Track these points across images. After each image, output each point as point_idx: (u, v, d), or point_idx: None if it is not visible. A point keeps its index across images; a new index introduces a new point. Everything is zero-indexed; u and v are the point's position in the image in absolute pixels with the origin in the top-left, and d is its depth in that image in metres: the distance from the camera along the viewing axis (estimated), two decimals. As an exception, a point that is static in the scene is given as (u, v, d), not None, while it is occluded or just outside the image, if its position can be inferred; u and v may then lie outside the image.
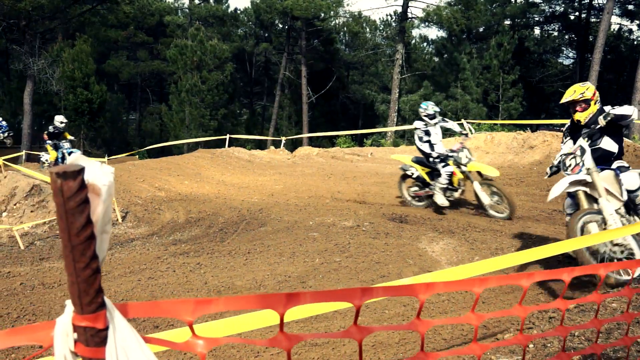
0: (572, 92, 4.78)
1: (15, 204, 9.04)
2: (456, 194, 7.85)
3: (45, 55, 22.35)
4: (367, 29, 35.37)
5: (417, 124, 7.98)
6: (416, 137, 7.98)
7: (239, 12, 34.09)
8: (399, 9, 27.52)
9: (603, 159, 4.64)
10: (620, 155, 4.69)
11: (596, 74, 21.13)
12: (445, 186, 7.71)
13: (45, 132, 13.66)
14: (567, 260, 5.32)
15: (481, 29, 29.08)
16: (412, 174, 8.13)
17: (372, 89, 32.52)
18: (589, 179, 4.40)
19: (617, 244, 4.12)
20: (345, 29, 33.55)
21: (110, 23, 29.34)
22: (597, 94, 4.80)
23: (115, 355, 0.75)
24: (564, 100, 4.88)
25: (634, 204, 4.49)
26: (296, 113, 30.54)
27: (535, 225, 7.01)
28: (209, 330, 2.37)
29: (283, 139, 17.84)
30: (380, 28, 35.82)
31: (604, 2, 23.89)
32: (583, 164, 4.47)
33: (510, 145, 11.66)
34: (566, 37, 31.42)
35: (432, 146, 7.82)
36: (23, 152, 17.86)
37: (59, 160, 13.23)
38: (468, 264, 3.17)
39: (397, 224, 7.46)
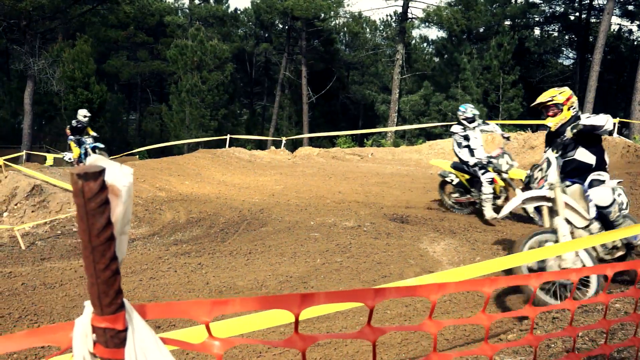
0: (544, 96, 4.54)
1: (16, 204, 9.04)
2: (499, 202, 7.28)
3: (46, 55, 22.34)
4: (367, 29, 35.38)
5: (455, 128, 7.43)
6: (454, 143, 7.45)
7: (239, 12, 34.11)
8: (399, 9, 27.55)
9: (579, 171, 4.34)
10: (600, 166, 4.35)
11: (596, 74, 21.13)
12: (491, 196, 7.10)
13: (68, 126, 13.12)
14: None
15: (481, 30, 29.10)
16: (452, 180, 7.62)
17: (372, 89, 32.54)
18: (551, 194, 4.07)
19: (565, 268, 3.71)
20: (345, 29, 33.57)
21: (111, 23, 29.34)
22: (573, 100, 4.50)
23: (134, 356, 0.75)
24: (534, 103, 4.66)
25: (608, 221, 4.16)
26: (296, 113, 30.55)
27: (535, 226, 7.01)
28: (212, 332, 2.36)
29: (284, 139, 17.84)
30: (381, 28, 35.84)
31: (604, 2, 23.91)
32: (547, 178, 4.17)
33: (511, 145, 11.67)
34: (566, 37, 31.44)
35: (472, 152, 7.27)
36: (23, 152, 17.86)
37: (82, 157, 12.83)
38: (471, 264, 3.17)
39: (398, 225, 7.47)
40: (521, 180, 6.79)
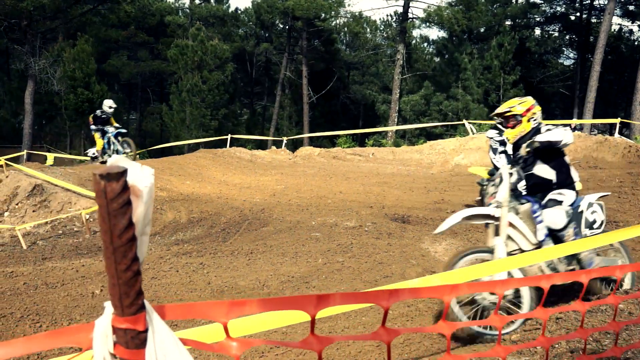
0: (503, 106, 4.29)
1: (17, 204, 9.05)
2: None
3: (46, 55, 22.35)
4: (368, 29, 35.38)
5: (490, 132, 7.07)
6: (489, 149, 7.05)
7: (239, 12, 34.10)
8: (400, 9, 27.54)
9: (540, 187, 4.08)
10: (563, 183, 4.03)
11: (597, 74, 21.13)
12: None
13: (91, 115, 12.82)
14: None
15: (482, 30, 29.08)
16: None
17: (373, 89, 32.54)
18: (497, 212, 3.78)
19: (492, 302, 3.44)
20: (346, 29, 33.56)
21: (111, 23, 29.33)
22: (535, 110, 4.16)
23: (154, 357, 0.75)
24: (493, 113, 4.41)
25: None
26: (297, 113, 30.55)
27: (537, 226, 7.01)
28: (213, 333, 2.36)
29: (284, 139, 17.84)
30: (381, 28, 35.83)
31: (605, 2, 23.91)
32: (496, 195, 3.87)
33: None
34: (567, 37, 31.44)
35: (508, 157, 6.76)
36: (24, 152, 17.85)
37: (106, 147, 12.60)
38: (481, 263, 3.17)
39: (399, 225, 7.47)
40: None
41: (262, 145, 24.34)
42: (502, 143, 6.85)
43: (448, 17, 24.64)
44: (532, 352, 2.43)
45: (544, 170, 4.05)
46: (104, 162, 12.78)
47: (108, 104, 12.64)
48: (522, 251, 3.78)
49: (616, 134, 14.15)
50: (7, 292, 5.30)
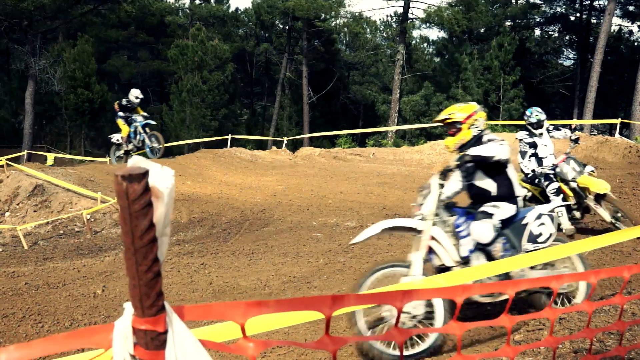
0: (443, 112, 4.11)
1: (18, 204, 9.05)
2: (577, 214, 6.33)
3: (47, 55, 22.35)
4: (368, 30, 35.37)
5: (520, 134, 6.66)
6: (519, 153, 6.54)
7: (239, 12, 34.10)
8: (400, 10, 27.54)
9: (480, 198, 3.90)
10: (503, 195, 3.82)
11: (597, 74, 21.14)
12: (562, 207, 6.13)
13: (117, 102, 12.34)
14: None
15: (482, 30, 29.10)
16: (526, 196, 6.64)
17: (373, 90, 32.53)
18: (420, 226, 3.60)
19: (406, 312, 3.28)
20: (346, 29, 33.56)
21: (111, 23, 29.33)
22: (477, 117, 3.94)
23: (174, 358, 0.75)
24: (434, 119, 4.23)
25: (493, 259, 3.67)
26: (297, 113, 30.55)
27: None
28: (215, 334, 2.37)
29: (285, 139, 17.84)
30: (381, 29, 35.83)
31: (605, 3, 23.93)
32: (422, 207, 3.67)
33: (512, 146, 11.67)
34: (567, 38, 31.46)
35: (540, 160, 6.43)
36: (24, 152, 17.84)
37: (132, 136, 12.09)
38: (492, 262, 3.17)
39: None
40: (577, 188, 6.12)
41: (262, 146, 24.34)
42: (533, 145, 6.49)
43: (448, 17, 24.65)
44: (535, 353, 2.44)
45: (484, 181, 3.87)
46: (127, 152, 12.33)
47: (135, 94, 12.01)
48: (448, 267, 3.59)
49: (616, 135, 14.17)
50: (9, 292, 5.31)
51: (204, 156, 13.94)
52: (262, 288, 5.24)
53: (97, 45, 26.95)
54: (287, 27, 30.50)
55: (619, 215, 6.04)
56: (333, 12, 27.69)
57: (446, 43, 28.51)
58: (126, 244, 0.72)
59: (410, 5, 26.28)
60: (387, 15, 60.51)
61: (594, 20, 29.38)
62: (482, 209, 3.78)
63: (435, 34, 58.08)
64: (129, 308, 0.78)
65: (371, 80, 34.65)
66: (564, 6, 30.11)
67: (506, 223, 3.77)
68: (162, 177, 0.74)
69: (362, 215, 8.01)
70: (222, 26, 31.93)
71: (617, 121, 14.76)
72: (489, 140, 3.82)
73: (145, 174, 0.70)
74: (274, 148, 17.81)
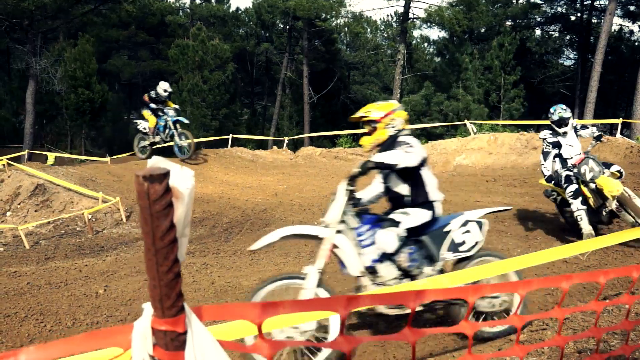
0: (360, 110, 3.90)
1: (19, 204, 9.05)
2: (604, 218, 5.91)
3: (47, 54, 22.35)
4: (368, 30, 35.38)
5: (543, 133, 6.32)
6: (541, 153, 6.27)
7: (240, 12, 34.11)
8: (401, 10, 27.54)
9: (396, 202, 3.73)
10: (416, 201, 3.62)
11: (598, 74, 21.12)
12: (581, 210, 5.83)
13: (146, 94, 11.94)
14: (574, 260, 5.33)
15: (483, 30, 29.09)
16: (556, 199, 6.49)
17: (374, 90, 32.54)
18: (322, 233, 3.37)
19: (289, 336, 3.04)
20: (346, 29, 33.56)
21: (112, 23, 29.35)
22: (394, 116, 3.76)
23: (194, 359, 0.75)
24: (351, 117, 4.07)
25: (402, 270, 3.48)
26: (297, 113, 30.56)
27: (539, 226, 7.02)
28: (220, 333, 2.37)
29: (286, 139, 17.84)
30: (382, 28, 35.84)
31: (606, 3, 23.92)
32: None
33: (514, 146, 11.68)
34: (567, 38, 31.46)
35: (565, 162, 6.08)
36: (25, 152, 17.84)
37: (160, 128, 11.67)
38: (487, 264, 3.18)
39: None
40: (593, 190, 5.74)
41: (262, 145, 24.34)
42: (556, 145, 6.14)
43: (449, 17, 24.65)
44: (539, 353, 2.44)
45: (398, 186, 3.69)
46: (153, 144, 12.00)
47: (163, 87, 11.66)
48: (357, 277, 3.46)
49: (618, 135, 14.16)
50: (11, 292, 5.31)
51: (204, 156, 13.94)
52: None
53: (98, 44, 26.95)
54: (287, 27, 30.50)
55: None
56: (334, 12, 27.70)
57: (447, 43, 28.50)
58: (147, 245, 0.71)
59: (411, 5, 26.29)
60: (388, 15, 60.57)
61: (594, 20, 29.39)
62: (390, 215, 3.58)
63: (435, 33, 58.18)
64: (148, 309, 0.78)
65: (372, 80, 34.65)
66: (565, 6, 30.11)
67: (424, 229, 3.59)
68: (182, 177, 0.74)
69: (363, 215, 8.01)
70: (223, 26, 31.94)
71: (618, 121, 14.74)
72: (400, 144, 3.59)
73: (166, 174, 0.70)
74: (275, 148, 17.81)
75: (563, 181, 5.98)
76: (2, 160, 11.15)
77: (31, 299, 5.09)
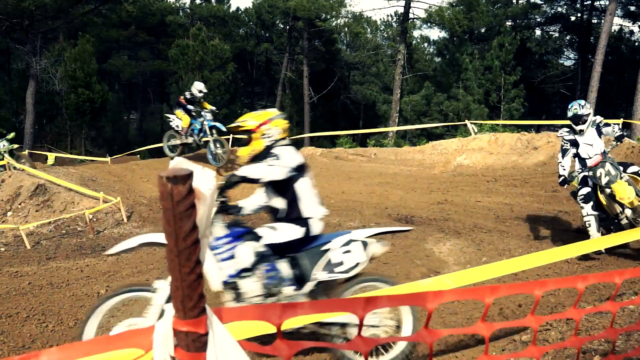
0: (238, 119, 3.82)
1: (20, 204, 9.04)
2: (625, 226, 5.34)
3: (48, 54, 22.36)
4: (369, 30, 35.38)
5: (561, 131, 5.86)
6: (560, 151, 5.80)
7: (240, 12, 34.11)
8: (401, 10, 27.56)
9: (273, 217, 3.65)
10: (290, 216, 3.52)
11: (598, 75, 21.13)
12: (591, 216, 5.43)
13: (182, 96, 11.40)
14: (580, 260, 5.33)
15: (483, 30, 29.11)
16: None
17: (374, 90, 32.55)
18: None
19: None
20: (346, 29, 33.57)
21: (112, 23, 29.34)
22: (270, 126, 3.66)
23: None
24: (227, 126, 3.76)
25: (269, 290, 3.37)
26: (297, 113, 30.56)
27: (540, 226, 7.02)
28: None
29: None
30: (382, 28, 35.85)
31: (606, 3, 23.92)
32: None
33: (515, 146, 11.68)
34: (567, 38, 31.49)
35: (582, 161, 5.60)
36: (26, 152, 17.83)
37: (195, 130, 11.03)
38: (499, 262, 3.17)
39: (402, 225, 7.47)
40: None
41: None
42: (574, 144, 5.67)
43: (449, 17, 24.66)
44: (542, 353, 2.44)
45: (273, 199, 3.61)
46: (185, 144, 11.34)
47: (198, 88, 11.11)
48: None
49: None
50: (13, 292, 5.31)
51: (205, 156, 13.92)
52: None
53: (98, 44, 26.95)
54: (287, 27, 30.51)
55: None
56: (334, 12, 27.71)
57: (447, 43, 28.52)
58: (169, 246, 0.71)
59: (411, 5, 26.30)
60: (388, 15, 60.56)
61: (594, 21, 29.41)
62: (256, 229, 3.48)
63: (436, 33, 58.23)
64: (169, 310, 0.78)
65: (372, 80, 34.65)
66: (565, 6, 30.13)
67: (299, 247, 3.45)
68: (204, 178, 0.74)
69: (364, 215, 8.01)
70: (223, 26, 31.94)
71: (619, 121, 14.74)
72: (270, 155, 3.50)
73: (189, 175, 0.70)
74: (275, 148, 17.74)
75: (579, 183, 5.65)
76: (3, 160, 11.16)
77: (33, 299, 5.09)
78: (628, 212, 5.25)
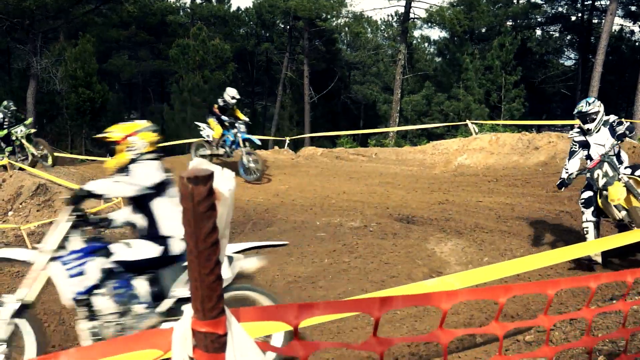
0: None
1: (21, 203, 9.04)
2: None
3: (48, 54, 22.36)
4: (369, 30, 35.38)
5: (572, 132, 5.53)
6: (569, 153, 5.46)
7: (240, 12, 34.11)
8: (401, 10, 27.55)
9: (134, 232, 3.63)
10: (150, 233, 3.45)
11: (599, 75, 21.12)
12: (590, 222, 5.19)
13: (215, 104, 10.84)
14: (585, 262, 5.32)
15: (483, 30, 29.11)
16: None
17: (374, 90, 32.55)
18: (33, 259, 3.31)
19: None
20: (347, 29, 33.57)
21: (113, 22, 29.34)
22: (135, 139, 3.57)
23: None
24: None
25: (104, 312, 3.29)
26: (298, 113, 30.55)
27: (541, 226, 7.02)
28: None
29: (287, 139, 17.82)
30: (382, 28, 35.84)
31: (607, 3, 23.91)
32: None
33: (515, 146, 11.67)
34: (568, 38, 31.49)
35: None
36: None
37: (227, 142, 10.55)
38: (504, 261, 3.17)
39: (404, 225, 7.47)
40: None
41: (263, 145, 24.32)
42: (583, 145, 5.28)
43: (450, 17, 24.65)
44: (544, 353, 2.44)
45: (134, 215, 3.51)
46: (215, 155, 10.79)
47: (231, 94, 10.61)
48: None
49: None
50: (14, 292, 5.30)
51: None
52: (267, 288, 5.23)
53: (98, 44, 26.93)
54: (288, 27, 30.51)
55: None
56: (334, 12, 27.71)
57: (447, 43, 28.50)
58: (189, 247, 0.71)
59: (412, 5, 26.29)
60: (389, 15, 60.50)
61: (595, 21, 29.40)
62: (110, 245, 3.37)
63: (436, 33, 58.26)
64: (188, 310, 0.78)
65: (372, 80, 34.66)
66: (566, 6, 30.12)
67: (160, 264, 3.37)
68: (224, 179, 0.74)
69: (365, 215, 8.01)
70: (223, 26, 31.94)
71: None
72: (124, 172, 3.45)
73: (210, 176, 0.69)
74: (276, 148, 17.80)
75: (584, 186, 5.36)
76: (4, 160, 11.15)
77: (34, 299, 5.08)
78: (623, 213, 4.94)
